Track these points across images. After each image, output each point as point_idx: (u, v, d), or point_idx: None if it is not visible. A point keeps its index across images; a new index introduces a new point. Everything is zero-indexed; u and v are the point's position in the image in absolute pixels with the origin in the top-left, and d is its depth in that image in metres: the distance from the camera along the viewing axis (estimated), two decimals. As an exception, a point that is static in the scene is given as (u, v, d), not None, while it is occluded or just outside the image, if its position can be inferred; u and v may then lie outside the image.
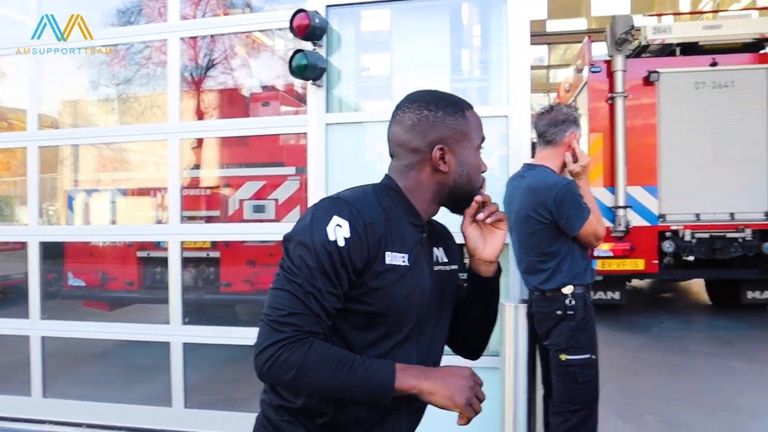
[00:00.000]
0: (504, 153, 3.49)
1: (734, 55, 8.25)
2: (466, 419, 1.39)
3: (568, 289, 2.97)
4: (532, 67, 18.97)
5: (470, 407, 1.37)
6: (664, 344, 7.49)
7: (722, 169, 7.99)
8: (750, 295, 8.71)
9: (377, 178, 1.60)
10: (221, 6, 5.78)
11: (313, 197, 3.76)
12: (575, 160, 3.07)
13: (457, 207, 1.57)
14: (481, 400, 1.41)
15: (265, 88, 7.68)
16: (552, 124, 3.08)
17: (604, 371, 6.18)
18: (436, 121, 1.50)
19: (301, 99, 6.24)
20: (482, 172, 1.58)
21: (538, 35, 22.32)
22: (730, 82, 7.99)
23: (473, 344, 1.73)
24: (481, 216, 1.54)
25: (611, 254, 7.88)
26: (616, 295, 8.65)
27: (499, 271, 1.65)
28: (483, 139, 1.58)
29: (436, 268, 1.59)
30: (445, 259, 1.63)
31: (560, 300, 2.98)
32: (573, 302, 2.96)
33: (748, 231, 7.92)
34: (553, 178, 3.02)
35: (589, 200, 3.01)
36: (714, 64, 8.00)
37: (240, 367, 5.32)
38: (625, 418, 4.91)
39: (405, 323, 1.48)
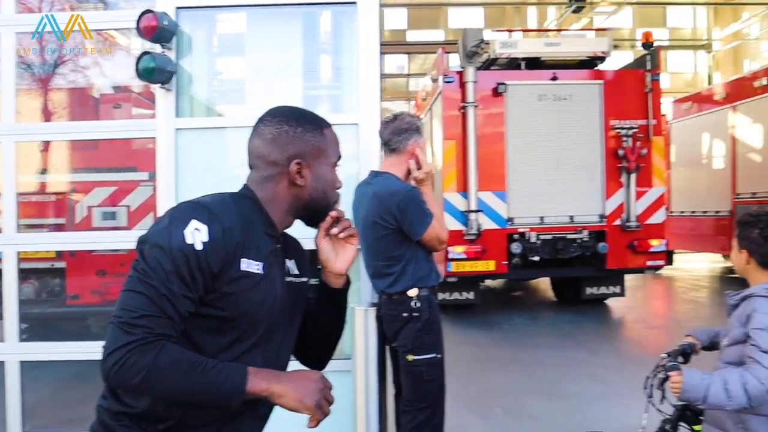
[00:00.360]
0: (355, 160, 3.57)
1: (572, 70, 8.97)
2: (315, 421, 1.43)
3: (413, 292, 3.09)
4: (394, 75, 19.34)
5: (320, 409, 1.42)
6: (513, 340, 7.97)
7: (562, 176, 8.67)
8: (588, 291, 9.52)
9: (230, 185, 1.61)
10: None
11: (162, 204, 3.63)
12: (419, 167, 3.20)
13: (312, 220, 1.63)
14: (330, 403, 1.46)
15: (118, 89, 7.33)
16: (395, 133, 3.20)
17: (457, 368, 6.48)
18: (296, 136, 1.55)
19: (156, 101, 6.03)
20: (337, 188, 1.64)
21: (399, 44, 22.95)
22: (569, 95, 8.68)
23: (321, 353, 1.78)
24: (334, 231, 1.61)
25: (464, 256, 8.27)
26: (471, 295, 9.11)
27: (348, 283, 1.72)
28: (339, 156, 1.64)
29: (288, 279, 1.62)
30: (297, 272, 1.67)
31: (406, 302, 3.10)
32: (418, 304, 3.09)
33: (586, 232, 8.64)
34: (397, 184, 3.13)
35: (433, 206, 3.15)
36: (554, 78, 8.66)
37: (87, 384, 5.03)
38: (476, 412, 5.18)
39: (256, 330, 1.50)
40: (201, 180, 3.65)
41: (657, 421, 2.47)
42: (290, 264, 1.65)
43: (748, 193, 11.10)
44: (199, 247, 1.38)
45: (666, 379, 2.26)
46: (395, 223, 3.05)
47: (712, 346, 2.60)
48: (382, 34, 22.46)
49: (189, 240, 1.38)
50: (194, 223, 1.40)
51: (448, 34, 22.36)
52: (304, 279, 1.70)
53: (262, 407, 1.50)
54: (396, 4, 22.53)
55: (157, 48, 3.67)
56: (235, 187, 1.61)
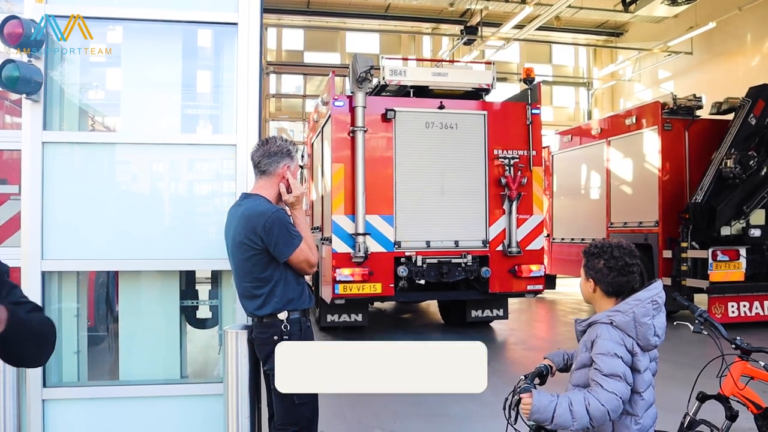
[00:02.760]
0: (232, 181, 3.54)
1: (458, 100, 9.30)
2: None
3: (283, 315, 3.08)
4: (291, 96, 19.14)
5: None
6: (399, 362, 8.04)
7: (448, 201, 8.93)
8: (474, 313, 9.82)
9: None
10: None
11: (27, 221, 3.45)
12: (289, 190, 3.22)
13: None
14: None
15: (-12, 94, 6.91)
16: (266, 156, 3.19)
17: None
18: None
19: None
20: None
21: (295, 65, 22.95)
22: (455, 123, 8.98)
23: None
24: None
25: (351, 278, 8.31)
26: (359, 317, 9.18)
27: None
28: None
29: None
30: None
31: (276, 325, 3.07)
32: (288, 327, 3.07)
33: (470, 257, 8.91)
34: (265, 206, 3.12)
35: (303, 229, 3.16)
36: (441, 107, 8.94)
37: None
38: (355, 435, 5.19)
39: None
40: (71, 196, 3.48)
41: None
42: None
43: (620, 222, 11.88)
44: None
45: (520, 400, 2.35)
46: (261, 244, 3.03)
47: (566, 367, 2.75)
48: (280, 54, 22.16)
49: None
50: None
51: (344, 57, 22.55)
52: None
53: None
54: (293, 25, 22.55)
55: (24, 56, 3.50)
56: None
